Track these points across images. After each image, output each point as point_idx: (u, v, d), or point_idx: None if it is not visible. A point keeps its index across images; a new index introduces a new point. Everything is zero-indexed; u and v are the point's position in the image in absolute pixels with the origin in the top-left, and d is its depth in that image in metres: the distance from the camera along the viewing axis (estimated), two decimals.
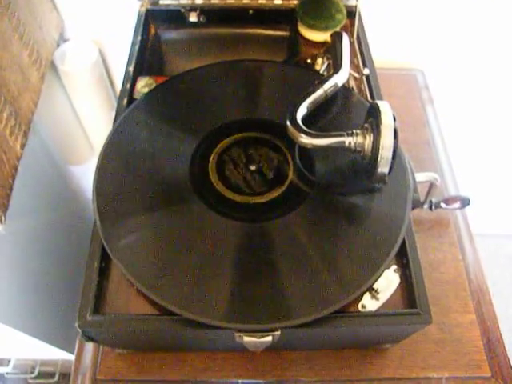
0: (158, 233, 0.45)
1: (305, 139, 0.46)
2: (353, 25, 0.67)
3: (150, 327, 0.41)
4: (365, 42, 0.64)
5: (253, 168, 0.49)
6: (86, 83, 0.81)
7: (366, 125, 0.44)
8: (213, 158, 0.50)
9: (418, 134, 0.74)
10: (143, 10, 0.68)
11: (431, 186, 0.56)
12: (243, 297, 0.41)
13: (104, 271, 0.44)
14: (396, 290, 0.44)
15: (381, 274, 0.43)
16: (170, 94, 0.56)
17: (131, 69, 0.59)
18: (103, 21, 0.81)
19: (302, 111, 0.49)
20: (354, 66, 0.61)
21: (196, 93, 0.56)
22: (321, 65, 0.60)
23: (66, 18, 0.81)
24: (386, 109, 0.42)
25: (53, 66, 0.80)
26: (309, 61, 0.62)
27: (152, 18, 0.69)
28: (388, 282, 0.44)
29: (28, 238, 0.79)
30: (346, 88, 0.56)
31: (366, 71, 0.57)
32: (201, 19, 0.69)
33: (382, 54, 0.86)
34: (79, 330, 0.41)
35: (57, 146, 0.91)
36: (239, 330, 0.40)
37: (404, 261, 0.45)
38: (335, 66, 0.54)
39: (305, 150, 0.50)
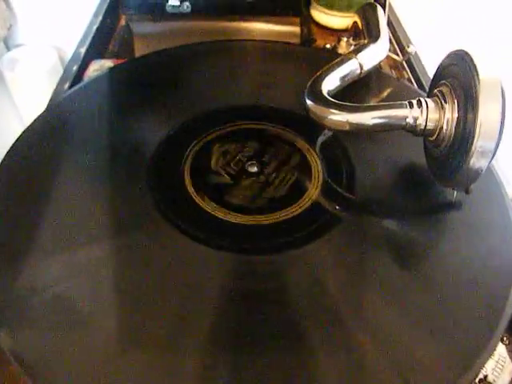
0: (90, 280, 0.25)
1: (338, 116, 0.28)
2: None
3: None
4: (400, 27, 0.49)
5: (253, 170, 0.31)
6: (41, 93, 0.64)
7: (439, 89, 0.27)
8: (189, 157, 0.32)
9: None
10: None
11: None
12: None
13: None
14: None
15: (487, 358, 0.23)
16: (131, 75, 0.39)
17: (82, 50, 0.43)
18: (63, 24, 0.66)
19: (328, 83, 0.31)
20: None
21: (166, 77, 0.39)
22: (346, 48, 0.44)
23: (20, 21, 0.66)
24: (481, 60, 0.25)
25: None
26: (328, 46, 0.46)
27: (122, 6, 0.54)
28: (497, 363, 0.25)
29: None
30: (382, 72, 0.40)
31: (412, 49, 0.40)
32: (184, 7, 0.54)
33: None
34: None
35: None
36: None
37: None
38: (370, 38, 0.38)
39: (334, 148, 0.33)
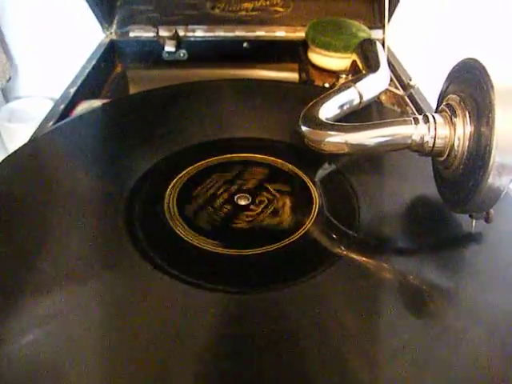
0: (63, 327, 0.21)
1: (336, 137, 0.25)
2: None
3: None
4: (399, 65, 0.47)
5: (243, 203, 0.28)
6: None
7: (447, 103, 0.24)
8: (174, 191, 0.29)
9: None
10: (107, 40, 0.52)
11: None
12: None
13: None
14: None
15: None
16: (118, 112, 0.37)
17: (71, 91, 0.41)
18: (63, 77, 0.66)
19: (326, 111, 0.29)
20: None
21: (153, 114, 0.37)
22: None
23: (21, 73, 0.66)
24: (492, 65, 0.22)
25: None
26: (326, 85, 0.44)
27: (119, 54, 0.54)
28: None
29: None
30: (384, 106, 0.38)
31: (414, 82, 0.38)
32: (181, 54, 0.54)
33: None
34: None
35: None
36: None
37: None
38: (369, 69, 0.36)
39: (334, 179, 0.30)
